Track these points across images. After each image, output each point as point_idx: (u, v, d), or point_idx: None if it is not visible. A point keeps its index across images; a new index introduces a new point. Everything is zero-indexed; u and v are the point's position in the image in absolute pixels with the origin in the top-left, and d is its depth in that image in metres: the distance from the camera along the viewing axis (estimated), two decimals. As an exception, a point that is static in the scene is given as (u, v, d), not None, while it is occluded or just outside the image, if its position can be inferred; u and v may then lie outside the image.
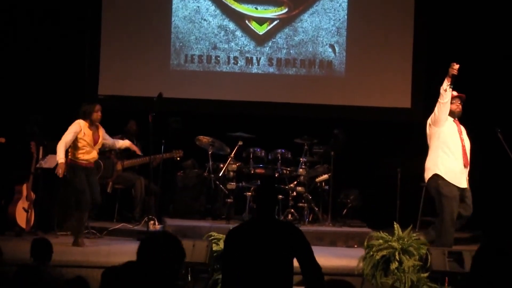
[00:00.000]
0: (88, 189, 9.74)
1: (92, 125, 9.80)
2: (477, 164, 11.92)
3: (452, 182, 8.95)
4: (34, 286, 4.80)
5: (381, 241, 8.18)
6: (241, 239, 5.40)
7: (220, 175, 11.22)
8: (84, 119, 9.77)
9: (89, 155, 9.77)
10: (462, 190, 9.00)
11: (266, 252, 5.28)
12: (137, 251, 4.09)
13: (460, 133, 9.06)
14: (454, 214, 8.93)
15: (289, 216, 10.95)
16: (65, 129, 9.89)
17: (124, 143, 10.46)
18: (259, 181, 11.05)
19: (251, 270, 5.28)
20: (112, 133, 10.39)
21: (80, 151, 9.73)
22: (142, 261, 4.02)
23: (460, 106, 9.09)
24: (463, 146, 9.04)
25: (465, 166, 9.02)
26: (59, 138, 10.78)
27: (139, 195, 11.38)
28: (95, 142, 9.83)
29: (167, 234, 4.26)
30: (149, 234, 4.30)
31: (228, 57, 12.53)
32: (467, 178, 9.09)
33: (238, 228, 5.70)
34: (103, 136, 9.99)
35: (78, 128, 9.71)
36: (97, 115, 9.78)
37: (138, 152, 10.73)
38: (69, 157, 9.76)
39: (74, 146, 9.73)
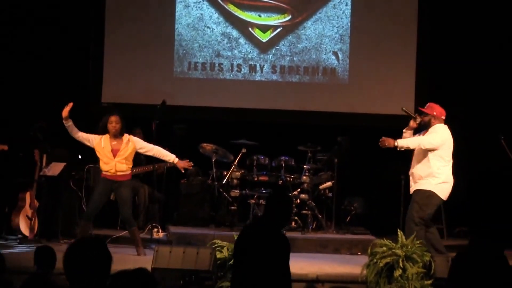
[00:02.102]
0: (99, 200, 9.70)
1: (115, 137, 9.64)
2: (480, 171, 11.96)
3: None
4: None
5: (384, 248, 8.18)
6: (244, 238, 5.42)
7: (223, 182, 11.22)
8: (103, 133, 9.67)
9: (107, 166, 9.58)
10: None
11: (255, 256, 5.30)
12: (63, 259, 4.08)
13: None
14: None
15: (293, 223, 10.95)
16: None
17: (160, 152, 9.92)
18: (263, 189, 11.10)
19: (249, 273, 5.31)
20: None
21: (100, 162, 9.68)
22: (70, 268, 4.02)
23: (420, 119, 9.12)
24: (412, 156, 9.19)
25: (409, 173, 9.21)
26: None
27: (142, 203, 11.40)
28: (114, 153, 9.62)
29: (92, 239, 4.28)
30: (75, 240, 4.27)
31: (232, 65, 12.55)
32: (417, 182, 9.08)
33: (246, 227, 5.76)
34: (131, 145, 9.71)
35: (97, 139, 9.61)
36: (111, 126, 9.58)
37: (185, 166, 10.01)
38: None
39: (99, 159, 9.71)
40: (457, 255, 3.90)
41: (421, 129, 9.20)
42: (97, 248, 4.05)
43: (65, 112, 9.46)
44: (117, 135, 9.63)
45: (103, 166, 9.64)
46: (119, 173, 9.65)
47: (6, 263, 5.59)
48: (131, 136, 9.81)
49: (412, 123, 9.19)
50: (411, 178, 9.16)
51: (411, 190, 9.14)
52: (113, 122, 9.60)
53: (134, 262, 7.96)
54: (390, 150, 10.64)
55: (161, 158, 9.99)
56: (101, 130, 9.67)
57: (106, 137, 9.64)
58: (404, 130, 9.30)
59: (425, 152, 8.99)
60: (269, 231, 5.54)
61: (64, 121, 9.48)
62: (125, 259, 9.28)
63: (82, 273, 3.94)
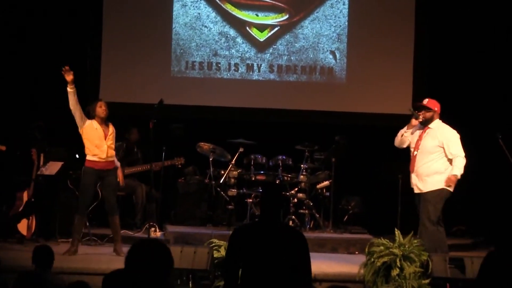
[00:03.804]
0: (91, 192, 9.71)
1: (101, 123, 9.67)
2: (477, 170, 11.96)
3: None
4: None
5: (382, 247, 8.19)
6: (247, 239, 5.41)
7: (221, 181, 11.22)
8: (91, 118, 9.67)
9: (99, 150, 9.57)
10: (416, 194, 9.11)
11: (270, 254, 5.29)
12: (126, 258, 4.07)
13: (420, 139, 9.11)
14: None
15: (290, 222, 10.94)
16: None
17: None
18: (261, 188, 11.07)
19: (255, 271, 5.29)
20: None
21: (90, 146, 9.60)
22: (131, 268, 4.02)
23: (422, 116, 9.10)
24: (413, 154, 9.13)
25: (411, 171, 9.12)
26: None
27: (140, 201, 11.38)
28: (106, 136, 9.64)
29: (156, 241, 4.27)
30: (139, 241, 4.26)
31: (229, 64, 12.54)
32: (424, 183, 9.06)
33: (244, 227, 5.73)
34: (114, 132, 9.79)
35: (88, 121, 9.62)
36: (102, 110, 9.65)
37: (121, 180, 10.37)
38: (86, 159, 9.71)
39: (86, 143, 9.64)
40: (486, 257, 3.90)
41: (421, 124, 9.16)
42: (161, 251, 4.05)
43: (70, 76, 9.51)
44: (105, 121, 9.72)
45: (93, 150, 9.60)
46: (109, 159, 9.70)
47: (3, 263, 5.60)
48: (113, 126, 9.84)
49: (414, 122, 9.16)
50: (414, 176, 9.06)
51: (416, 189, 9.06)
52: (103, 106, 9.70)
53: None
54: (387, 149, 10.70)
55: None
56: (88, 116, 9.70)
57: (95, 121, 9.66)
58: (406, 129, 9.21)
59: (431, 150, 8.98)
60: (281, 227, 5.56)
61: (68, 87, 9.52)
62: (123, 258, 9.26)
63: (144, 274, 3.95)
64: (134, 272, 3.97)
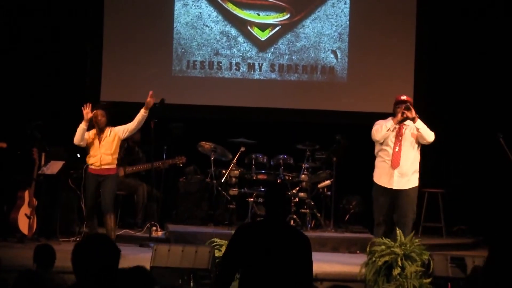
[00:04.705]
0: (92, 198, 9.81)
1: (101, 130, 9.85)
2: (478, 169, 11.96)
3: (381, 184, 9.26)
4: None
5: (383, 247, 8.18)
6: (250, 237, 5.40)
7: (222, 181, 11.22)
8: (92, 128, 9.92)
9: (94, 158, 9.76)
10: (392, 191, 9.15)
11: (273, 253, 5.28)
12: (71, 258, 4.05)
13: (400, 135, 9.15)
14: (378, 215, 9.28)
15: (291, 222, 10.94)
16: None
17: (137, 118, 9.94)
18: (264, 188, 11.07)
19: (256, 270, 5.28)
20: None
21: (88, 155, 9.87)
22: (79, 266, 4.00)
23: (405, 113, 9.10)
24: (395, 150, 9.15)
25: (392, 167, 9.13)
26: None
27: (141, 201, 11.38)
28: (100, 145, 9.81)
29: (98, 236, 4.27)
30: (83, 238, 4.26)
31: (230, 63, 12.54)
32: (408, 179, 9.14)
33: (248, 225, 5.72)
34: (112, 135, 9.86)
35: (89, 133, 9.83)
36: (97, 120, 9.81)
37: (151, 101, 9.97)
38: None
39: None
40: (489, 255, 3.89)
41: (401, 122, 9.22)
42: (104, 243, 4.04)
43: (90, 115, 9.71)
44: (103, 129, 9.85)
45: (89, 159, 9.85)
46: (104, 167, 9.81)
47: (3, 262, 5.58)
48: (112, 128, 9.93)
49: (400, 117, 9.15)
50: (397, 172, 9.11)
51: (397, 185, 9.13)
52: (98, 115, 9.85)
53: (133, 261, 7.95)
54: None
55: (141, 121, 9.93)
56: (92, 125, 9.92)
57: (93, 131, 9.86)
58: (392, 124, 9.18)
59: (416, 148, 9.09)
60: (285, 228, 5.56)
61: (83, 123, 9.70)
62: (123, 257, 9.26)
63: (91, 270, 3.93)
64: (81, 270, 3.96)
